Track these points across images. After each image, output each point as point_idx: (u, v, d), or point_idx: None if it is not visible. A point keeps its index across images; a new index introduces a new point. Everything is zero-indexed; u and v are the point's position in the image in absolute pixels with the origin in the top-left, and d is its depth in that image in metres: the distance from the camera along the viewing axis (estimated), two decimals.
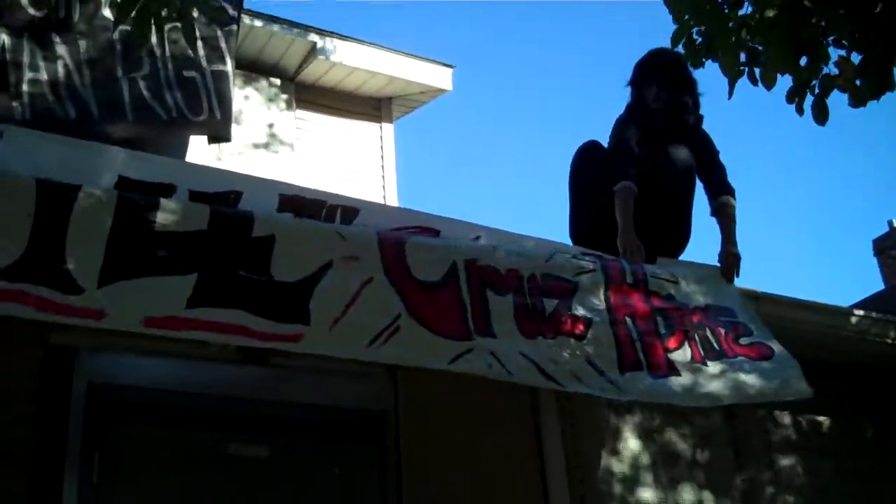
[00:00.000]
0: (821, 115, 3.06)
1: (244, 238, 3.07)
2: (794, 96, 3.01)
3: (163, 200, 3.01)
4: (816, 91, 3.02)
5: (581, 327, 3.68)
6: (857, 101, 2.94)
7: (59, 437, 3.32)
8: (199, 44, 6.01)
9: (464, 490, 4.06)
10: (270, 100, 7.25)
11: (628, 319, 3.83)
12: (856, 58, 2.87)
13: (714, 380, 3.84)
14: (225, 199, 3.32)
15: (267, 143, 7.06)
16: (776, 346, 4.09)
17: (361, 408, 3.97)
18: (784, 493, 4.86)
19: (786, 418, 5.07)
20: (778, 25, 2.68)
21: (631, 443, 4.52)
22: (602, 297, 3.81)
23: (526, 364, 3.45)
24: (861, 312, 5.23)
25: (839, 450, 5.21)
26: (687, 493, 4.54)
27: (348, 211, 3.56)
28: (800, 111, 3.08)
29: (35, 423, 3.34)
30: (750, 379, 3.91)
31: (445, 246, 3.53)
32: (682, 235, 4.71)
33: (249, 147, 6.88)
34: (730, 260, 4.49)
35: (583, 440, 4.41)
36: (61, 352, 3.38)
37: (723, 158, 4.82)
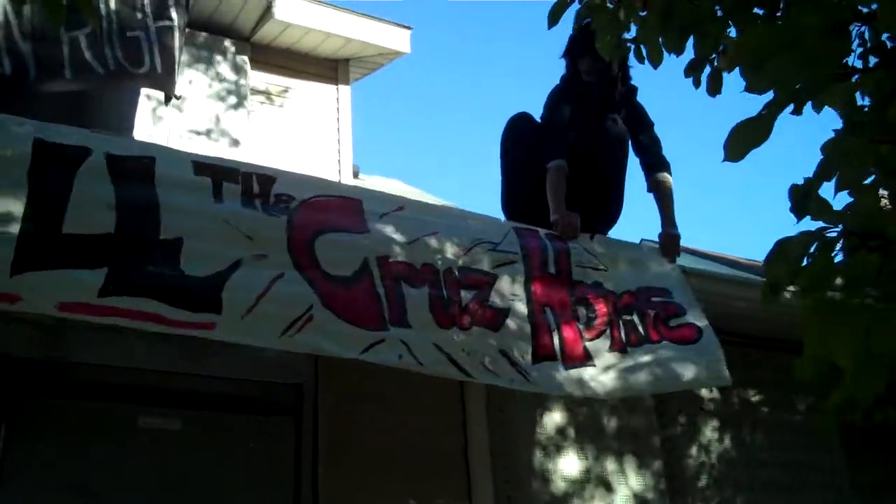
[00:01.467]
0: (713, 87, 3.06)
1: (152, 239, 3.11)
2: (692, 70, 2.99)
3: (70, 204, 3.02)
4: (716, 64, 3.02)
5: (497, 318, 3.69)
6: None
7: None
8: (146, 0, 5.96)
9: (383, 463, 4.10)
10: (225, 60, 7.18)
11: (547, 310, 3.84)
12: None
13: (633, 370, 3.88)
14: (139, 162, 3.30)
15: (221, 104, 7.00)
16: (706, 328, 4.11)
17: (279, 381, 3.98)
18: (709, 462, 4.91)
19: (714, 391, 5.10)
20: (653, 8, 2.65)
21: (556, 415, 4.54)
22: (522, 287, 3.82)
23: (438, 355, 3.47)
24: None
25: (768, 422, 5.26)
26: (611, 464, 4.58)
27: (263, 179, 3.52)
28: (696, 84, 3.06)
29: None
30: (671, 367, 3.95)
31: (356, 243, 3.51)
32: (614, 211, 4.71)
33: (203, 107, 6.81)
34: (668, 241, 4.49)
35: (507, 414, 4.44)
36: None
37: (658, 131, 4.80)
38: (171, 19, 6.18)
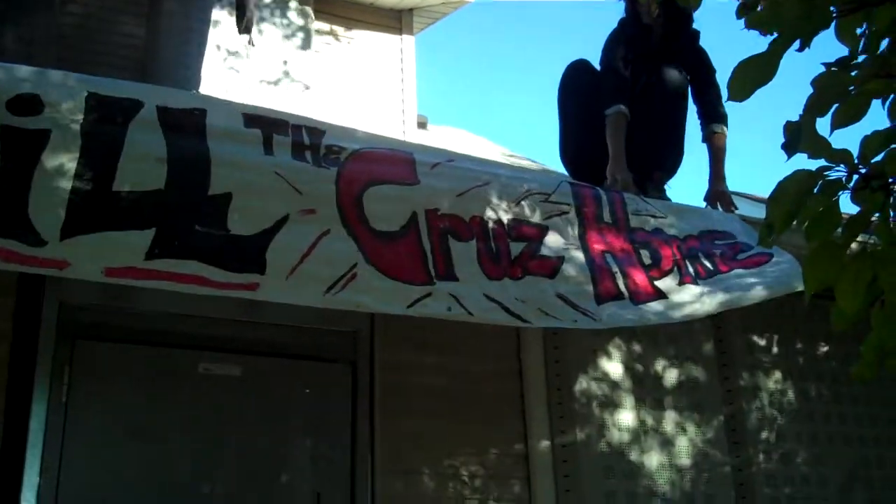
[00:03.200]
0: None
1: (201, 195, 3.14)
2: (742, 12, 2.89)
3: (121, 158, 3.06)
4: None
5: (551, 266, 3.67)
6: None
7: (30, 352, 3.47)
8: None
9: (439, 411, 4.15)
10: (289, 12, 7.20)
11: (607, 255, 3.81)
12: None
13: (706, 295, 3.86)
14: (190, 114, 3.34)
15: (286, 54, 7.03)
16: (777, 252, 4.06)
17: (335, 329, 4.03)
18: (771, 414, 4.85)
19: (772, 342, 5.02)
20: None
21: (614, 365, 4.53)
22: (575, 236, 3.79)
23: (490, 305, 3.48)
24: None
25: (832, 374, 5.16)
26: (670, 415, 4.56)
27: (313, 131, 3.53)
28: (748, 26, 2.95)
29: (10, 338, 3.51)
30: (744, 284, 3.93)
31: (405, 196, 3.51)
32: (673, 160, 4.64)
33: (268, 61, 6.86)
34: (718, 199, 4.42)
35: (564, 362, 4.44)
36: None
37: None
38: None
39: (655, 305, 3.78)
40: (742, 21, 2.94)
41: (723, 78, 4.65)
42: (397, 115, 7.30)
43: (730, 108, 4.64)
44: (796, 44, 1.88)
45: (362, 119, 6.72)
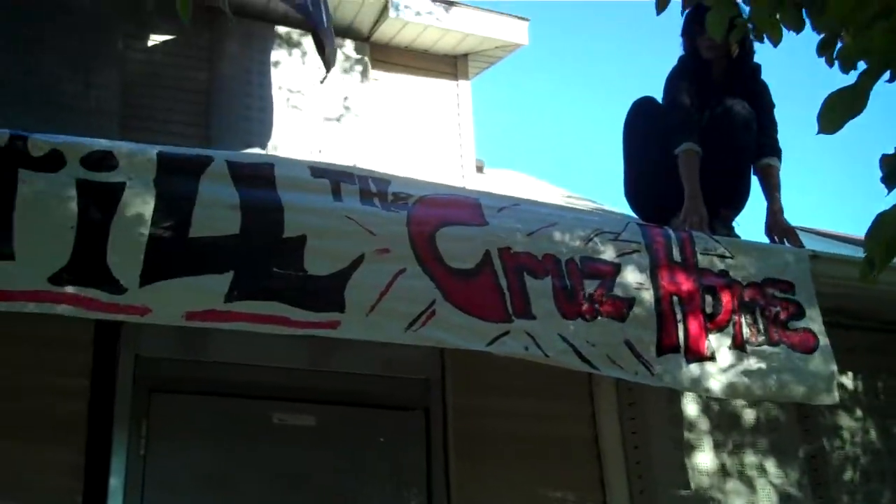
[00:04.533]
0: (846, 65, 2.89)
1: (276, 239, 3.18)
2: (824, 49, 2.84)
3: (196, 206, 3.11)
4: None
5: (622, 308, 3.63)
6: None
7: (108, 407, 3.49)
8: None
9: (514, 457, 4.09)
10: (346, 60, 7.28)
11: (674, 299, 3.76)
12: None
13: (750, 373, 3.77)
14: (259, 167, 3.39)
15: (344, 103, 7.10)
16: (822, 339, 3.96)
17: (407, 376, 4.01)
18: (854, 453, 4.71)
19: (852, 378, 4.88)
20: None
21: (689, 407, 4.43)
22: (647, 277, 3.74)
23: (563, 346, 3.46)
24: None
25: None
26: (749, 457, 4.44)
27: (379, 180, 3.57)
28: (829, 62, 2.91)
29: (88, 394, 3.55)
30: (784, 377, 3.83)
31: (476, 236, 3.51)
32: (741, 193, 4.57)
33: (326, 108, 6.92)
34: (785, 234, 4.35)
35: (639, 406, 4.35)
36: (110, 326, 3.51)
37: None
38: None
39: (704, 367, 3.72)
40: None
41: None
42: (455, 159, 7.32)
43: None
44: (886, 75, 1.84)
45: (421, 163, 6.75)
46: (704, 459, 4.35)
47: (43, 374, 3.52)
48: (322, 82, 6.38)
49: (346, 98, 7.09)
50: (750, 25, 3.02)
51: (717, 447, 4.42)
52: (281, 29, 6.86)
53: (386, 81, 7.40)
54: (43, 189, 3.00)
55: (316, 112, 6.84)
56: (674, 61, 4.73)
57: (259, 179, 3.32)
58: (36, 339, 3.48)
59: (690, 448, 4.37)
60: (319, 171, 3.48)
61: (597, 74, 30.35)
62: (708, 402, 4.47)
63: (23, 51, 6.06)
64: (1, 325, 3.11)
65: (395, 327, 3.24)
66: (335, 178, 3.45)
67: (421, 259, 3.35)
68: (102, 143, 3.19)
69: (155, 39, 6.62)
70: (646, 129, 4.61)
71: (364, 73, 7.27)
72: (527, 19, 7.57)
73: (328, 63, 6.18)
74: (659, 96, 4.75)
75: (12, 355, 3.51)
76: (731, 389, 3.76)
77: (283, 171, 3.37)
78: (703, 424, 4.43)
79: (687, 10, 4.42)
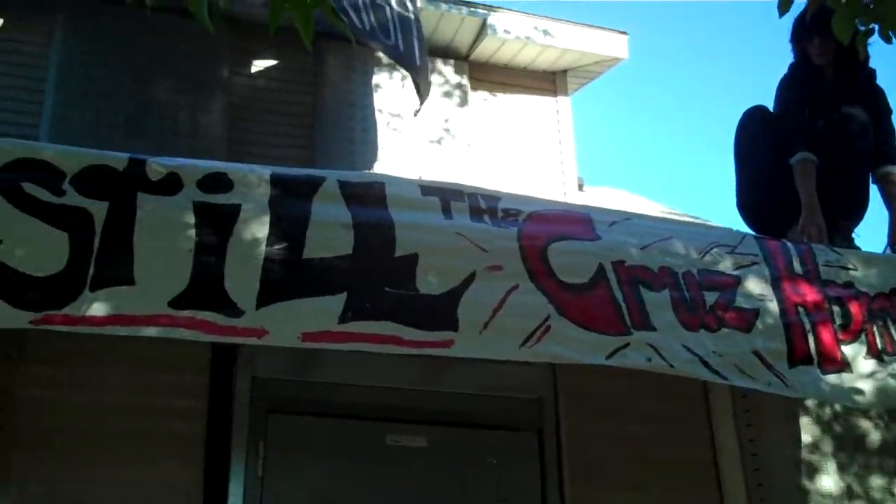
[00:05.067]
0: None
1: (388, 258, 3.17)
2: None
3: (309, 225, 3.13)
4: None
5: (747, 319, 3.50)
6: None
7: (226, 428, 3.53)
8: None
9: (629, 479, 3.99)
10: (446, 80, 7.30)
11: (800, 310, 3.61)
12: None
13: (890, 381, 3.60)
14: (370, 186, 3.40)
15: (444, 122, 7.11)
16: None
17: (519, 396, 3.96)
18: None
19: None
20: None
21: (809, 426, 4.26)
22: (769, 287, 3.61)
23: (689, 357, 3.35)
24: None
25: None
26: (877, 481, 4.24)
27: (488, 197, 3.54)
28: None
29: (206, 416, 3.60)
30: None
31: (589, 250, 3.44)
32: (860, 203, 4.40)
33: (425, 129, 6.94)
34: None
35: (758, 426, 4.21)
36: (227, 348, 3.56)
37: None
38: (407, 10, 6.40)
39: (841, 378, 3.57)
40: None
41: None
42: (557, 176, 7.25)
43: None
44: None
45: (523, 181, 6.71)
46: (828, 482, 4.16)
47: (162, 396, 3.59)
48: (416, 114, 6.46)
49: (446, 119, 7.11)
50: (874, 26, 2.90)
51: (842, 469, 4.22)
52: (382, 54, 6.91)
53: (485, 100, 7.40)
54: (161, 213, 3.05)
55: (417, 133, 6.88)
56: (780, 72, 4.60)
57: (370, 198, 3.32)
58: (154, 361, 3.55)
59: (813, 470, 4.18)
60: (429, 189, 3.47)
61: (698, 87, 29.77)
62: (830, 422, 4.29)
63: (134, 81, 6.25)
64: (120, 347, 3.17)
65: (510, 344, 3.19)
66: (445, 196, 3.43)
67: (533, 274, 3.30)
68: (217, 166, 3.24)
69: (259, 66, 6.75)
70: (759, 138, 4.47)
71: (463, 93, 7.27)
72: (626, 33, 7.48)
73: (422, 96, 6.25)
74: (767, 106, 4.62)
75: (132, 377, 3.58)
76: (880, 396, 3.60)
77: (393, 190, 3.37)
78: (826, 446, 4.24)
79: (796, 17, 4.34)
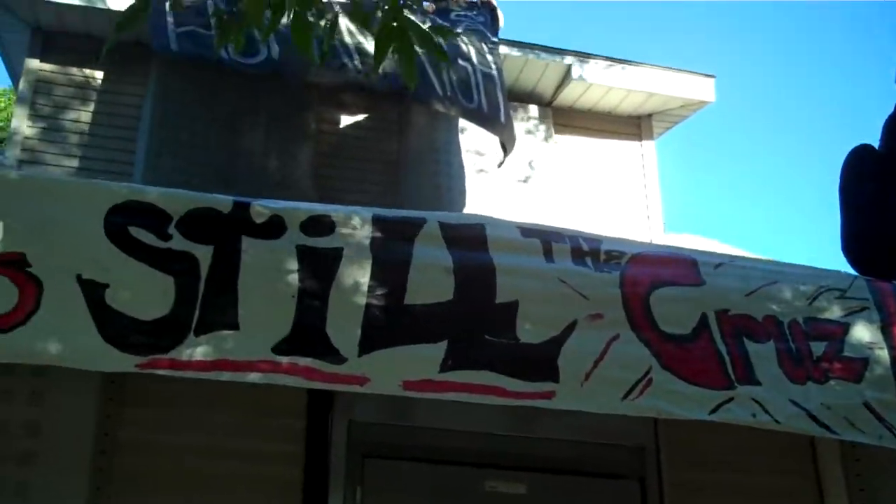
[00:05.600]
0: None
1: (488, 305, 3.14)
2: None
3: (411, 270, 3.12)
4: None
5: (856, 368, 3.37)
6: None
7: (323, 472, 3.50)
8: (471, 49, 6.28)
9: None
10: (529, 126, 7.29)
11: None
12: None
13: None
14: (470, 228, 3.37)
15: (528, 168, 7.10)
16: None
17: (620, 443, 3.85)
18: None
19: None
20: None
21: None
22: (879, 334, 3.47)
23: (795, 411, 3.25)
24: None
25: None
26: None
27: (590, 239, 3.49)
28: None
29: (303, 459, 3.56)
30: None
31: (692, 298, 3.37)
32: None
33: (511, 171, 6.92)
34: None
35: (868, 478, 4.02)
36: (323, 393, 3.53)
37: None
38: (489, 67, 6.45)
39: None
40: None
41: None
42: (642, 221, 7.17)
43: None
44: None
45: (607, 223, 6.64)
46: None
47: (259, 439, 3.57)
48: (499, 166, 6.48)
49: (530, 162, 7.11)
50: None
51: None
52: None
53: (569, 144, 7.37)
54: (265, 257, 3.06)
55: (502, 176, 6.86)
56: (874, 112, 4.47)
57: (471, 241, 3.29)
58: (252, 405, 3.54)
59: None
60: (529, 230, 3.43)
61: (788, 129, 29.18)
62: None
63: (224, 131, 6.37)
64: (218, 391, 3.16)
65: (612, 397, 3.13)
66: (546, 238, 3.39)
67: (635, 324, 3.24)
68: (319, 208, 3.24)
69: (346, 115, 6.83)
70: (865, 178, 4.33)
71: (547, 137, 7.27)
72: (713, 76, 7.41)
73: (506, 151, 6.29)
74: (873, 144, 4.49)
75: (228, 421, 3.58)
76: None
77: (494, 232, 3.34)
78: None
79: None
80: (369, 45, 6.05)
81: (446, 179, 6.78)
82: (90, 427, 3.40)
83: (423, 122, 6.88)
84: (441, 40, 2.82)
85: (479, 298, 3.16)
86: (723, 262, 3.55)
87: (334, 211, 3.22)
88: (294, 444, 3.58)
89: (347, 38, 6.08)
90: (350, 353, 2.97)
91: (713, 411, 3.17)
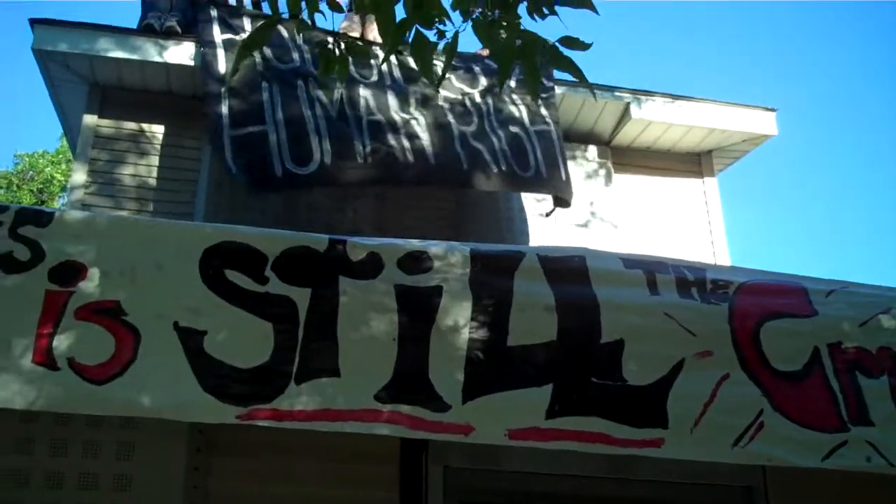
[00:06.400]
0: None
1: (593, 344, 3.03)
2: None
3: (512, 310, 3.01)
4: None
5: None
6: None
7: None
8: (523, 110, 6.26)
9: None
10: (588, 169, 7.20)
11: None
12: None
13: None
14: (570, 261, 3.27)
15: (589, 208, 6.99)
16: None
17: (726, 484, 3.69)
18: None
19: None
20: None
21: None
22: None
23: None
24: None
25: None
26: None
27: (694, 268, 3.38)
28: None
29: None
30: None
31: (804, 330, 3.24)
32: None
33: (571, 214, 6.82)
34: None
35: None
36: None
37: None
38: (544, 123, 6.40)
39: None
40: None
41: None
42: (707, 257, 7.02)
43: None
44: None
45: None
46: None
47: (352, 486, 3.46)
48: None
49: (591, 202, 7.00)
50: None
51: None
52: None
53: (629, 183, 7.27)
54: (364, 299, 2.98)
55: (563, 217, 6.76)
56: None
57: (572, 274, 3.19)
58: (343, 451, 3.42)
59: None
60: (632, 261, 3.32)
61: (853, 161, 28.83)
62: None
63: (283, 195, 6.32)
64: (305, 438, 3.06)
65: (722, 444, 3.00)
66: (649, 269, 3.28)
67: (745, 361, 3.11)
68: (415, 244, 3.16)
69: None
70: None
71: (607, 176, 7.18)
72: (774, 110, 7.29)
73: (564, 205, 6.24)
74: None
75: (320, 468, 3.47)
76: None
77: (595, 264, 3.23)
78: None
79: None
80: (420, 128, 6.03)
81: (507, 223, 6.69)
82: (179, 479, 3.30)
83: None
84: (570, 51, 2.74)
85: (584, 338, 3.06)
86: (834, 290, 3.41)
87: (432, 247, 3.14)
88: (388, 491, 3.47)
89: (395, 117, 6.11)
90: (454, 399, 2.87)
91: (826, 457, 3.04)
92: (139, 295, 2.84)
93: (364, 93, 6.15)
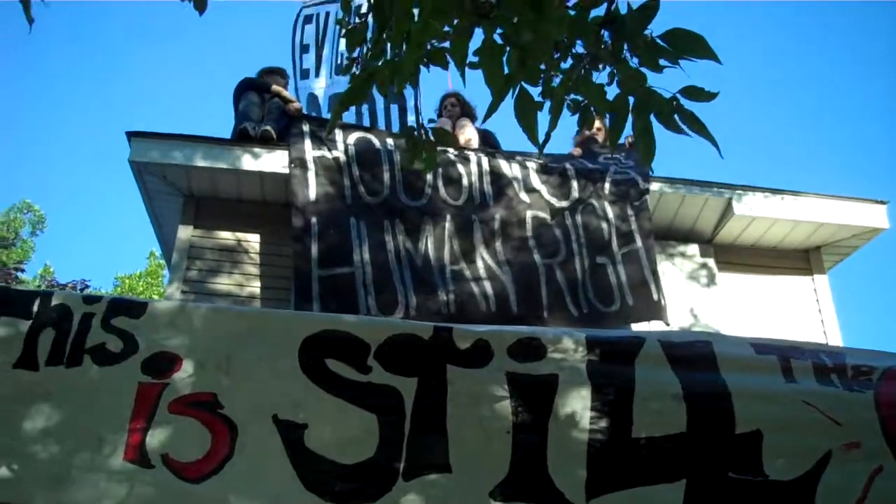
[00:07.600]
0: None
1: (728, 436, 2.75)
2: None
3: (635, 398, 2.77)
4: None
5: None
6: None
7: None
8: (612, 228, 6.11)
9: None
10: (689, 269, 6.93)
11: None
12: None
13: None
14: (695, 346, 3.01)
15: (692, 308, 6.69)
16: None
17: None
18: None
19: None
20: None
21: None
22: None
23: None
24: None
25: None
26: None
27: (831, 353, 3.09)
28: None
29: None
30: None
31: None
32: None
33: (674, 313, 6.51)
34: None
35: None
36: None
37: None
38: (634, 242, 6.21)
39: None
40: None
41: None
42: None
43: None
44: None
45: None
46: None
47: None
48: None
49: (693, 303, 6.70)
50: None
51: None
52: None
53: (733, 282, 6.96)
54: (474, 388, 2.76)
55: (662, 324, 6.47)
56: None
57: (698, 360, 2.92)
58: None
59: None
60: (764, 347, 3.03)
61: None
62: None
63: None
64: None
65: None
66: (783, 354, 2.99)
67: None
68: (525, 331, 2.95)
69: None
70: None
71: (710, 276, 6.88)
72: (885, 202, 6.95)
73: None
74: None
75: None
76: None
77: (722, 349, 2.96)
78: None
79: None
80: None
81: None
82: None
83: None
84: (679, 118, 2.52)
85: (717, 429, 2.77)
86: None
87: (543, 333, 2.92)
88: None
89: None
90: (577, 497, 2.61)
91: None
92: (236, 387, 2.68)
93: (448, 227, 6.13)
